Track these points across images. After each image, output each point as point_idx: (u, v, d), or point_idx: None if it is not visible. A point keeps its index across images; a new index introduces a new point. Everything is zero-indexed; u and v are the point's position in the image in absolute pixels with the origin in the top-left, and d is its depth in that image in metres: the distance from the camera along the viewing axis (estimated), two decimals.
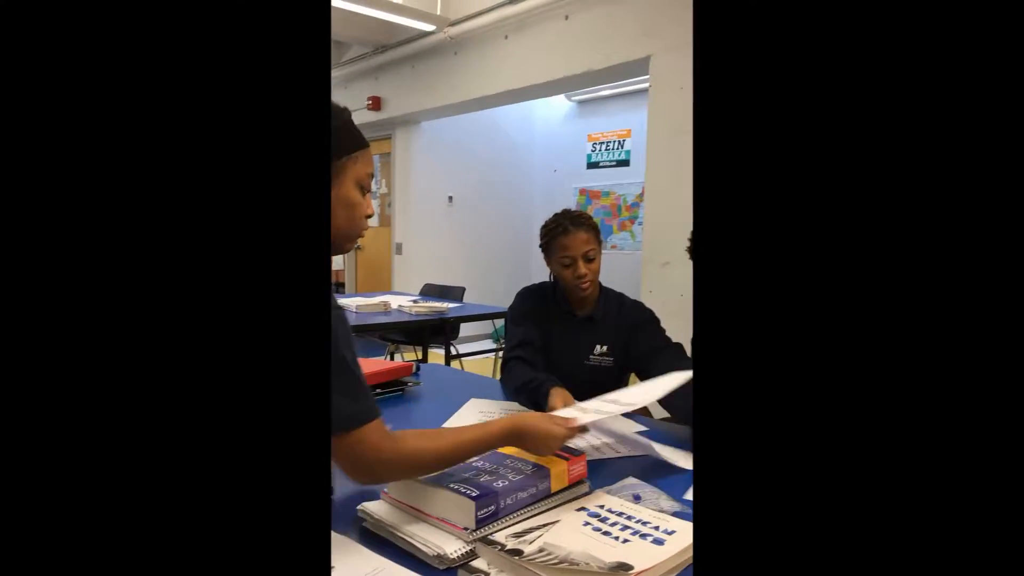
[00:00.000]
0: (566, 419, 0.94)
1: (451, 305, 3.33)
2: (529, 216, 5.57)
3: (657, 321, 1.58)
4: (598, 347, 1.58)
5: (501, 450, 0.93)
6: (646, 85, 3.18)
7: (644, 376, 1.47)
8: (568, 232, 1.54)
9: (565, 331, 1.60)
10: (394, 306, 3.18)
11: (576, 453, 0.91)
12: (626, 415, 1.28)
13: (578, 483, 0.90)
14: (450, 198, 5.45)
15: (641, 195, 5.04)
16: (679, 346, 1.51)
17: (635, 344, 1.54)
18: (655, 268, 3.03)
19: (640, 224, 5.05)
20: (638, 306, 1.63)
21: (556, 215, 1.61)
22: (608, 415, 1.07)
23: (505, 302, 1.90)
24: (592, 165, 5.48)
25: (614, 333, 1.57)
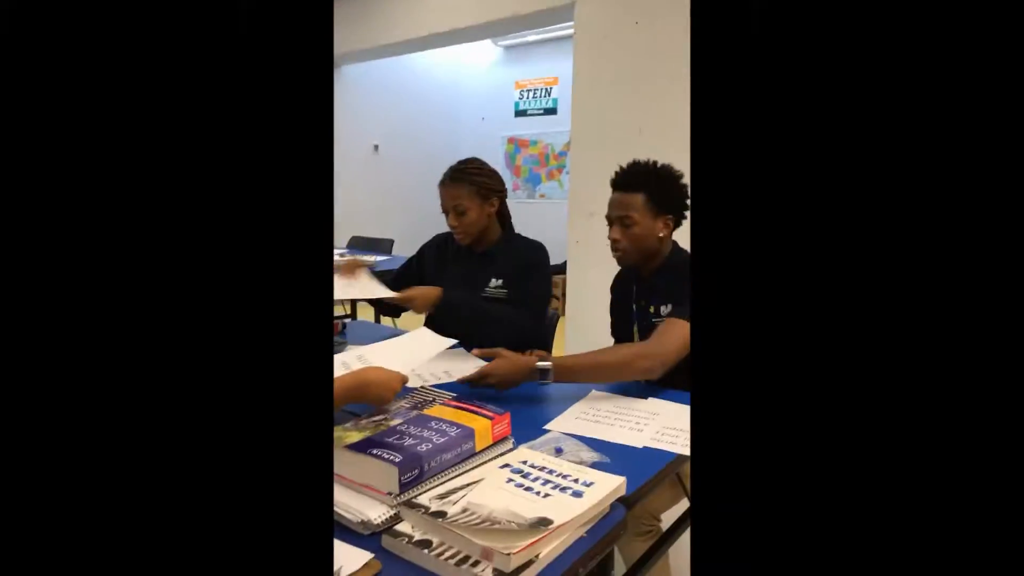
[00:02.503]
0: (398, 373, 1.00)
1: (380, 258, 3.27)
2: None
3: (541, 267, 1.65)
4: (493, 280, 1.65)
5: (426, 411, 0.94)
6: (572, 31, 3.14)
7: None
8: (443, 184, 1.62)
9: (461, 267, 1.69)
10: None
11: (500, 412, 0.93)
12: None
13: (502, 440, 0.92)
14: (376, 147, 5.29)
15: (568, 144, 5.04)
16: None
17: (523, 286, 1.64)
18: (581, 218, 3.06)
19: (568, 173, 5.07)
20: (532, 248, 1.68)
21: (451, 165, 1.65)
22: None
23: None
24: (520, 113, 5.42)
25: (512, 269, 1.64)
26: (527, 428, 1.03)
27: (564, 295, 3.28)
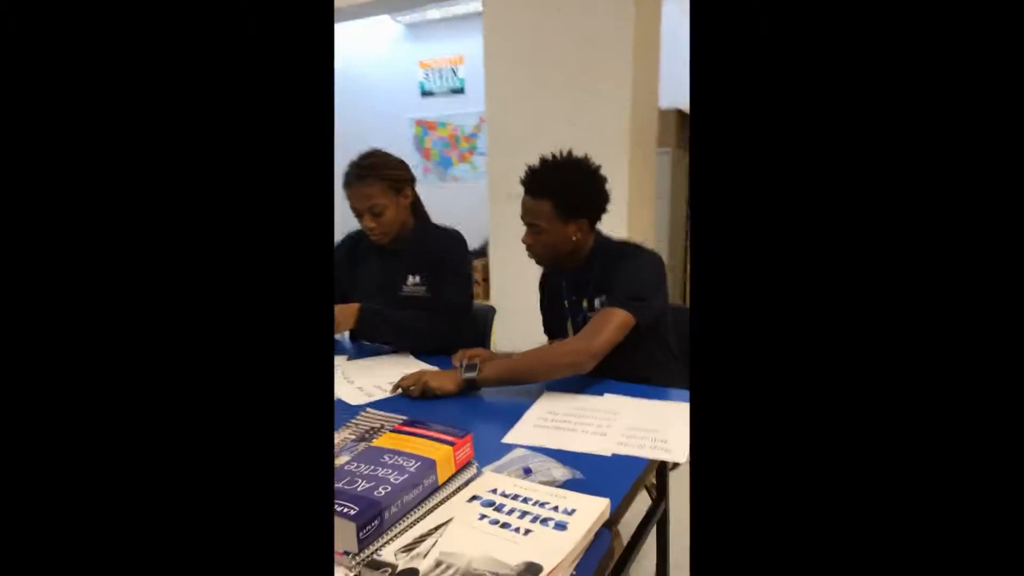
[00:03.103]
0: None
1: None
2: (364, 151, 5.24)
3: (459, 262, 1.55)
4: (410, 278, 1.55)
5: (376, 443, 0.83)
6: (477, 7, 3.01)
7: None
8: (349, 185, 1.47)
9: (374, 266, 1.58)
10: None
11: (460, 434, 0.83)
12: None
13: (466, 466, 0.83)
14: None
15: (479, 125, 4.92)
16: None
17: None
18: (502, 201, 2.97)
19: (481, 155, 4.96)
20: (448, 239, 1.56)
21: (351, 162, 1.49)
22: None
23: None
24: (426, 94, 5.23)
25: (428, 265, 1.53)
26: (487, 444, 0.94)
27: (487, 280, 3.18)
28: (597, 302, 1.33)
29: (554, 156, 1.33)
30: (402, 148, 5.30)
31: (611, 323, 1.20)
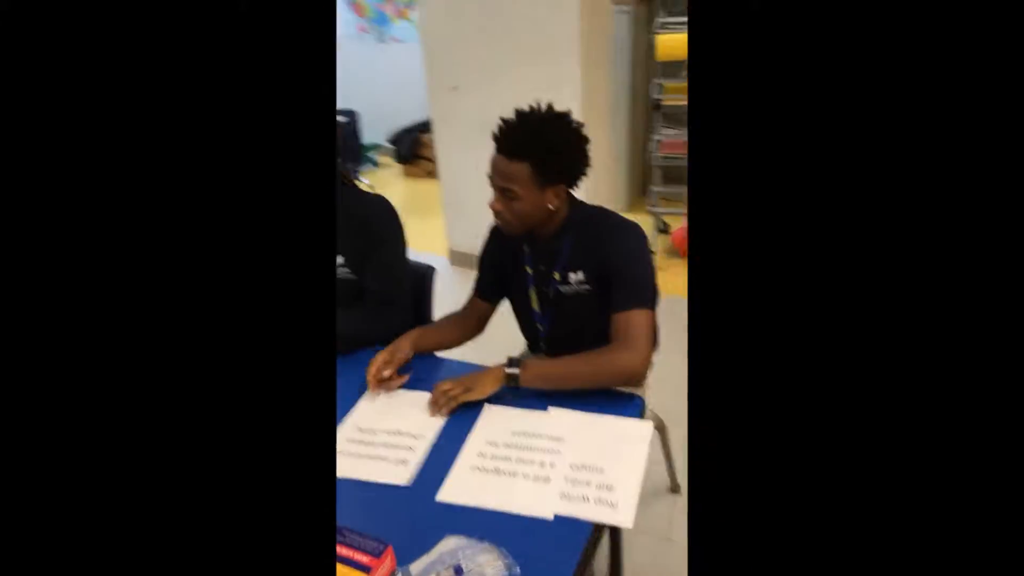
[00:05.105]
0: None
1: None
2: None
3: (389, 239, 1.32)
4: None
5: None
6: None
7: None
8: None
9: None
10: None
11: (378, 548, 0.74)
12: None
13: None
14: None
15: None
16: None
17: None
18: (442, 93, 2.65)
19: (419, 37, 4.40)
20: (373, 207, 1.32)
21: None
22: None
23: None
24: None
25: (351, 239, 1.28)
26: (420, 502, 0.86)
27: (436, 158, 2.89)
28: (573, 277, 1.19)
29: (532, 110, 1.10)
30: None
31: (644, 327, 1.11)
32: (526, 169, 1.08)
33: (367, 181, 4.01)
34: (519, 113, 1.10)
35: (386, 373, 1.16)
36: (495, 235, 1.33)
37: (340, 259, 1.31)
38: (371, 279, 1.30)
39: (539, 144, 1.08)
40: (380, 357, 1.17)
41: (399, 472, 0.97)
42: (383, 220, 1.32)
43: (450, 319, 1.36)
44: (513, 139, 1.09)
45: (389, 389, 1.17)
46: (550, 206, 1.14)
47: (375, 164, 4.57)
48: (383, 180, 4.29)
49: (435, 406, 1.10)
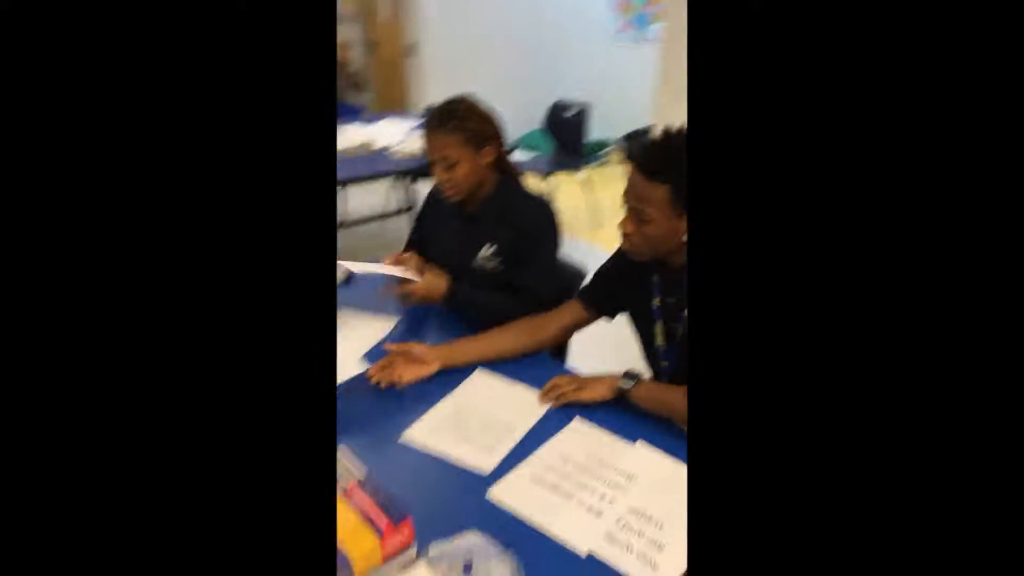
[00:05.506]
0: None
1: None
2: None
3: (544, 241, 1.37)
4: (485, 248, 1.40)
5: None
6: None
7: None
8: (429, 130, 1.34)
9: (454, 225, 1.47)
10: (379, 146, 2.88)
11: (398, 517, 0.76)
12: None
13: (400, 554, 0.77)
14: None
15: None
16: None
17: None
18: (671, 101, 2.57)
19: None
20: (535, 209, 1.38)
21: (437, 105, 1.36)
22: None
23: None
24: None
25: (509, 235, 1.37)
26: (470, 490, 0.87)
27: None
28: (486, 249, 1.39)
29: (679, 130, 1.04)
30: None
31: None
32: (665, 192, 1.01)
33: (546, 180, 4.05)
34: (664, 132, 1.03)
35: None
36: (621, 253, 1.25)
37: (493, 248, 1.39)
38: (525, 275, 1.35)
39: (683, 167, 0.99)
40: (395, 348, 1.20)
41: (482, 459, 0.98)
42: (542, 221, 1.37)
43: (519, 324, 1.28)
44: (655, 159, 1.01)
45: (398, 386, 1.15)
46: (683, 238, 1.05)
47: (599, 160, 4.59)
48: (605, 177, 4.30)
49: (544, 397, 1.12)
